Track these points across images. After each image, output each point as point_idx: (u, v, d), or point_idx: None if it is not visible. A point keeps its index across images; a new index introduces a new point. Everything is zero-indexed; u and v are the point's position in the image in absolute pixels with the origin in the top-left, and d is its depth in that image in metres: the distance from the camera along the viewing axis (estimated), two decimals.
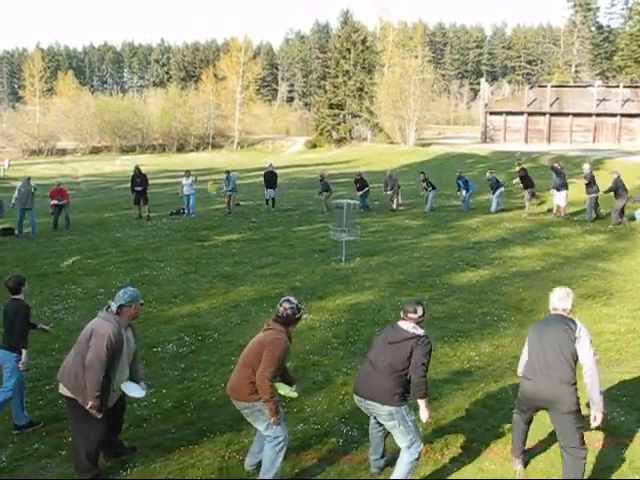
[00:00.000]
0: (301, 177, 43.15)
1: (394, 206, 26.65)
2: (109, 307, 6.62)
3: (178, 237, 20.70)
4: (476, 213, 24.84)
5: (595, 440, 7.08)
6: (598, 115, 60.59)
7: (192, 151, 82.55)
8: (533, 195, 24.88)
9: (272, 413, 6.25)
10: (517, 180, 25.12)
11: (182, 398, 8.63)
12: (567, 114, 61.61)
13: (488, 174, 26.19)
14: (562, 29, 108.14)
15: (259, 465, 6.58)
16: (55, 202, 22.28)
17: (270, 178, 26.95)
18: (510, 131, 63.94)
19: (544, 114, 62.28)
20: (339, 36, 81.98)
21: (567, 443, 6.17)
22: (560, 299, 6.43)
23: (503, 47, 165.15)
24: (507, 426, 7.54)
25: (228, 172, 26.57)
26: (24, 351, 7.68)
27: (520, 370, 6.58)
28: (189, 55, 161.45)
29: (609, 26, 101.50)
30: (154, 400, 8.55)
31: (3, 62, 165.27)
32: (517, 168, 25.49)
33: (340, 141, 76.73)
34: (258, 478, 6.43)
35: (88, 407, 6.38)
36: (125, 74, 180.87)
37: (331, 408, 8.22)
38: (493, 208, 25.31)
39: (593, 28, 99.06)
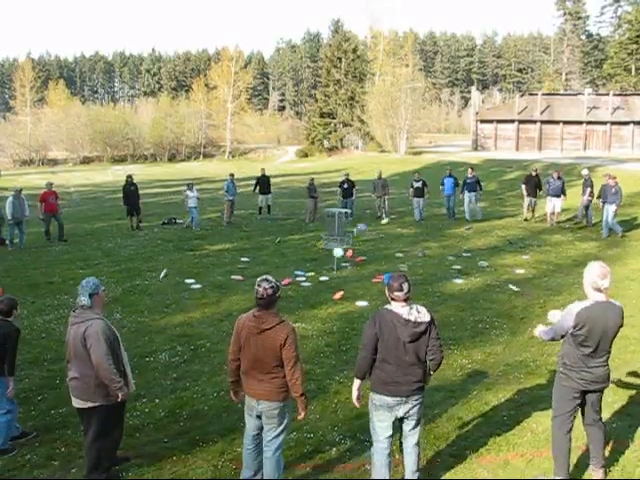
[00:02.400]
0: (292, 186, 43.14)
1: (382, 214, 26.37)
2: (80, 305, 6.66)
3: (170, 247, 20.66)
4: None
5: (587, 445, 7.11)
6: (588, 123, 60.85)
7: (183, 161, 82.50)
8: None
9: (304, 406, 6.28)
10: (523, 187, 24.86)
11: (175, 407, 8.62)
12: (558, 122, 61.85)
13: (470, 173, 25.64)
14: (552, 37, 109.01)
15: None
16: (50, 203, 21.65)
17: (264, 184, 27.08)
18: (501, 139, 64.18)
19: (535, 122, 62.53)
20: (330, 45, 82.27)
21: (599, 415, 6.51)
22: (604, 278, 6.27)
23: (494, 55, 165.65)
24: (500, 433, 7.57)
25: (232, 175, 26.50)
26: (11, 379, 7.50)
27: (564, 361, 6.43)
28: (180, 65, 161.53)
29: (599, 34, 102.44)
30: (147, 410, 8.55)
31: None
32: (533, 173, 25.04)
33: (331, 150, 76.77)
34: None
35: (119, 399, 6.63)
36: (116, 84, 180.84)
37: (324, 417, 8.22)
38: (480, 214, 25.28)
39: (583, 36, 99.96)
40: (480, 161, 50.06)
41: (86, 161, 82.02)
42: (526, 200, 24.71)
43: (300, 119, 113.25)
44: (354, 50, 77.92)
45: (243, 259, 18.47)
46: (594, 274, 6.24)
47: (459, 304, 13.60)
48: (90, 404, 6.60)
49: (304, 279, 16.01)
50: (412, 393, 6.19)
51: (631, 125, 59.58)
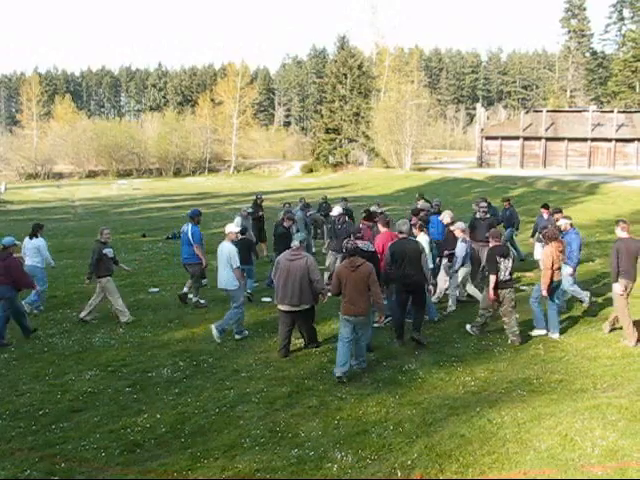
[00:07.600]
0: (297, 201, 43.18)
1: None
2: (296, 248, 11.17)
3: (174, 261, 20.62)
4: None
5: (592, 465, 7.04)
6: (593, 140, 61.00)
7: (188, 175, 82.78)
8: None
9: (382, 313, 11.07)
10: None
11: (176, 423, 8.58)
12: (562, 139, 62.00)
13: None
14: (557, 55, 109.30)
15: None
16: None
17: (325, 212, 22.60)
18: (506, 156, 64.25)
19: (540, 139, 62.64)
20: (336, 61, 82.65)
21: (422, 304, 12.15)
22: (404, 225, 12.03)
23: (499, 72, 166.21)
24: (502, 451, 7.51)
25: (303, 200, 22.38)
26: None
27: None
28: (186, 79, 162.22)
29: (603, 52, 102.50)
30: (148, 425, 8.51)
31: (1, 86, 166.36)
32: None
33: (336, 165, 77.03)
34: (355, 364, 10.45)
35: (324, 299, 11.69)
36: (122, 98, 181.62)
37: (326, 433, 8.17)
38: None
39: (587, 54, 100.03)
40: (485, 177, 50.10)
41: (91, 175, 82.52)
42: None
43: (305, 134, 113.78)
44: (359, 66, 78.31)
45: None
46: (398, 224, 12.08)
47: (461, 321, 13.49)
48: (306, 306, 11.13)
49: None
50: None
51: (636, 142, 59.73)
